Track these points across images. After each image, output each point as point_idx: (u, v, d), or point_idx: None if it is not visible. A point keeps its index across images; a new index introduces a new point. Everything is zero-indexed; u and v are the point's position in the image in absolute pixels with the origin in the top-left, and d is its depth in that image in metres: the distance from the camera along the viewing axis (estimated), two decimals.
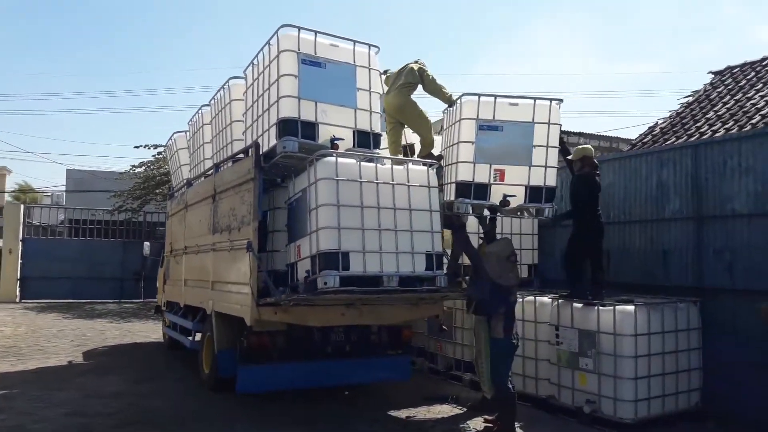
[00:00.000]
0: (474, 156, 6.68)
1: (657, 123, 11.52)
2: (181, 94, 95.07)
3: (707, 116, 10.31)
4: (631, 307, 6.23)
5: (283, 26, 6.08)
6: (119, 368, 9.07)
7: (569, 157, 7.46)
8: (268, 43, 6.32)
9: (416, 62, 7.50)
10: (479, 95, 6.73)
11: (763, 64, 11.39)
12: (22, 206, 20.94)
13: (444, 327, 7.77)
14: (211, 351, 7.53)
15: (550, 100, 7.02)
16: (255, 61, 6.69)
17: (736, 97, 10.66)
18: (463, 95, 6.84)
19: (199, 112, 8.91)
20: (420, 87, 7.38)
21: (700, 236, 6.92)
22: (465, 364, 8.24)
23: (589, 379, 6.41)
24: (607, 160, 8.41)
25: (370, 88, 6.39)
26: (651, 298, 6.88)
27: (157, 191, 19.23)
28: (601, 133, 13.91)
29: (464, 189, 6.72)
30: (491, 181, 6.78)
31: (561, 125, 7.16)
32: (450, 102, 7.02)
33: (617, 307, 6.27)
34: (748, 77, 11.29)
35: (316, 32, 6.14)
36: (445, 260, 7.24)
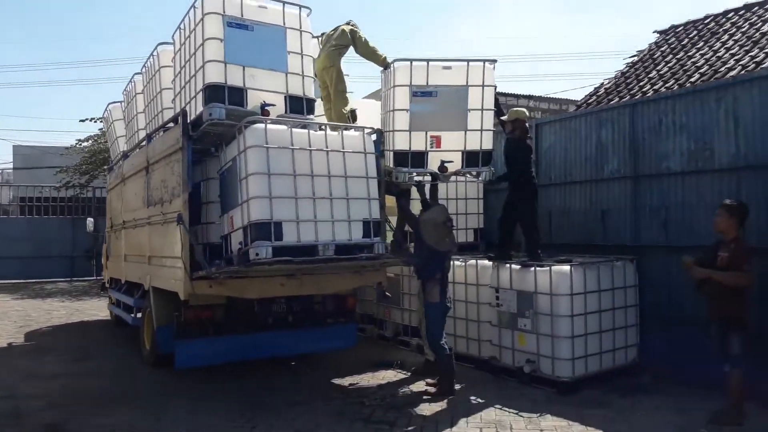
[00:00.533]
0: (409, 124, 6.62)
1: (603, 84, 11.57)
2: (129, 64, 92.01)
3: (650, 75, 10.38)
4: (567, 267, 6.28)
5: None
6: (60, 348, 8.82)
7: (502, 118, 7.41)
8: (193, 6, 6.05)
9: (348, 23, 7.29)
10: (411, 60, 6.63)
11: (706, 22, 11.47)
12: None
13: (387, 293, 7.76)
14: (151, 327, 7.37)
15: (483, 61, 6.96)
16: (182, 26, 6.42)
17: (678, 56, 10.73)
18: (395, 60, 6.73)
19: (132, 80, 8.56)
20: (353, 50, 7.17)
21: (637, 195, 6.99)
22: (412, 330, 8.25)
23: (528, 340, 6.48)
24: (548, 122, 8.42)
25: (301, 51, 6.18)
26: (590, 257, 6.96)
27: (105, 166, 18.60)
28: (552, 95, 13.93)
29: (401, 158, 6.69)
30: (428, 149, 6.76)
31: (495, 87, 7.11)
32: (385, 64, 6.86)
33: (553, 267, 6.31)
34: (690, 36, 11.36)
35: None
36: (389, 228, 7.25)
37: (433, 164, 6.83)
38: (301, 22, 6.20)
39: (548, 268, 6.33)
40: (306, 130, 5.83)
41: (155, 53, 7.44)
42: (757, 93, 5.81)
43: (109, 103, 9.84)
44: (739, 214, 5.17)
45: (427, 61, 6.66)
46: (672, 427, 5.12)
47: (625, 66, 11.65)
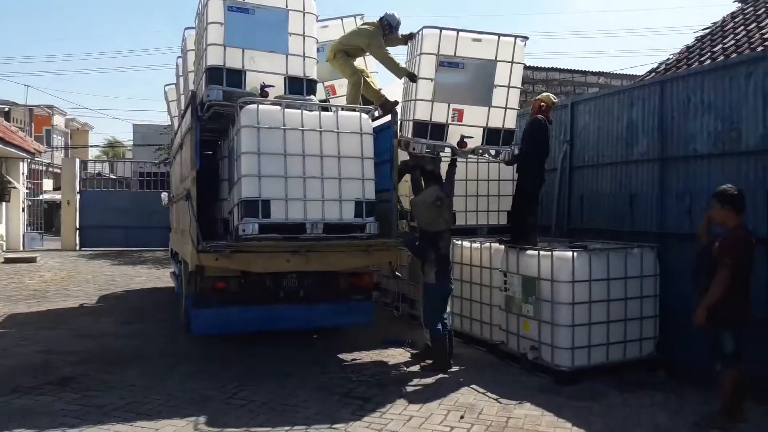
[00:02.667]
0: (432, 94, 6.53)
1: (666, 60, 10.66)
2: None
3: (714, 50, 9.43)
4: (568, 253, 5.99)
5: None
6: (119, 311, 9.68)
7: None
8: None
9: (378, 23, 7.18)
10: (441, 29, 6.50)
11: None
12: (77, 160, 22.18)
13: (398, 273, 7.76)
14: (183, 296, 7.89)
15: (515, 36, 6.75)
16: (198, 11, 6.71)
17: (749, 28, 9.64)
18: (423, 27, 6.61)
19: (177, 63, 9.06)
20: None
21: (664, 179, 6.49)
22: None
23: (531, 326, 6.28)
24: (583, 100, 7.98)
25: (304, 32, 6.30)
26: (614, 244, 6.60)
27: None
28: (623, 71, 13.03)
29: (420, 128, 6.62)
30: (449, 121, 6.64)
31: (525, 64, 6.86)
32: (410, 76, 6.65)
33: (555, 252, 6.05)
34: None
35: None
36: (400, 208, 7.24)
37: (452, 138, 6.72)
38: (305, 4, 6.30)
39: (550, 253, 6.07)
40: (299, 111, 5.94)
41: (184, 37, 7.85)
42: None
43: (166, 85, 10.49)
44: (727, 200, 4.68)
45: (457, 31, 6.52)
46: (652, 428, 4.80)
47: (694, 39, 10.66)
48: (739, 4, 11.17)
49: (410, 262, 8.15)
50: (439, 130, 6.63)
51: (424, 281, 6.21)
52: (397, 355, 6.97)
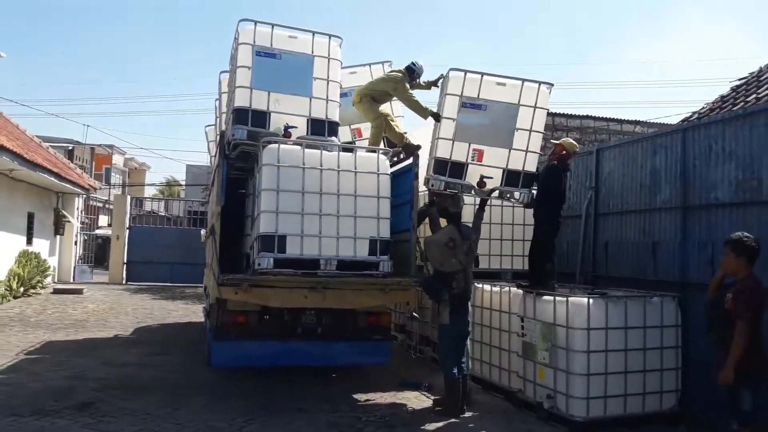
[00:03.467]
0: (454, 133, 6.69)
1: (701, 109, 10.48)
2: None
3: (747, 99, 9.25)
4: (584, 300, 5.90)
5: (241, 20, 6.44)
6: (150, 342, 9.93)
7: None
8: (234, 37, 6.69)
9: (409, 67, 7.48)
10: (465, 71, 6.70)
11: None
12: (128, 197, 23.14)
13: (415, 314, 7.76)
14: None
15: (539, 83, 6.88)
16: (231, 55, 7.09)
17: None
18: (450, 70, 6.82)
19: (215, 105, 9.50)
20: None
21: (686, 227, 6.37)
22: None
23: (547, 373, 6.15)
24: (608, 147, 7.95)
25: (328, 77, 6.57)
26: (636, 292, 6.46)
27: None
28: (660, 120, 12.90)
29: (440, 166, 6.75)
30: (469, 161, 6.76)
31: (548, 110, 6.95)
32: (435, 116, 6.85)
33: (570, 298, 5.97)
34: None
35: (273, 25, 6.43)
36: (419, 250, 7.30)
37: (471, 178, 6.81)
38: (330, 50, 6.60)
39: (565, 299, 5.99)
40: (319, 151, 6.15)
41: (220, 80, 8.27)
42: None
43: (206, 126, 10.98)
44: (745, 251, 4.56)
45: (482, 74, 6.72)
46: None
47: (729, 89, 10.48)
48: None
49: (433, 305, 8.16)
50: (458, 169, 6.75)
51: (440, 322, 6.21)
52: (412, 398, 6.91)
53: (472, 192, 6.90)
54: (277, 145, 6.00)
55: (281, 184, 5.91)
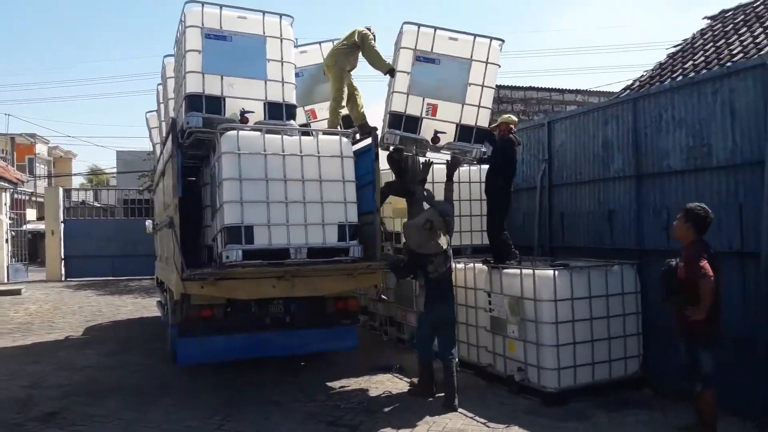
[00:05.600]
0: (408, 87, 6.64)
1: (641, 76, 10.85)
2: None
3: (685, 66, 9.63)
4: (550, 272, 6.03)
5: (187, 2, 6.12)
6: (105, 342, 9.56)
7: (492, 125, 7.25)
8: (180, 19, 6.38)
9: (367, 28, 7.35)
10: (419, 25, 6.65)
11: (755, 5, 10.43)
12: (60, 189, 22.04)
13: (383, 296, 7.76)
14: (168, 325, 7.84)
15: (491, 38, 6.87)
16: (176, 38, 6.77)
17: (718, 44, 9.86)
18: (404, 24, 6.75)
19: (157, 90, 9.10)
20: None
21: (640, 195, 6.57)
22: None
23: (517, 347, 6.28)
24: (559, 119, 8.08)
25: (281, 58, 6.36)
26: (594, 261, 6.64)
27: None
28: (599, 89, 13.25)
29: (395, 120, 6.72)
30: (423, 115, 6.74)
31: (500, 66, 6.97)
32: (389, 71, 6.84)
33: (537, 271, 6.09)
34: (736, 21, 10.39)
35: (221, 6, 6.15)
36: (383, 230, 7.26)
37: (425, 132, 6.82)
38: (282, 30, 6.38)
39: (532, 272, 6.11)
40: (280, 136, 5.98)
41: (164, 64, 7.90)
42: (752, 84, 5.30)
43: (147, 112, 10.53)
44: (695, 219, 4.73)
45: (435, 28, 6.68)
46: None
47: (666, 56, 10.87)
48: (709, 21, 11.42)
49: (396, 285, 8.18)
50: (413, 123, 6.73)
51: (417, 308, 6.18)
52: (385, 381, 6.93)
53: (427, 148, 6.93)
54: (235, 131, 5.79)
55: (243, 173, 5.72)
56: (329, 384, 6.86)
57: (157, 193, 9.39)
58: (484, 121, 6.93)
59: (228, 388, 6.64)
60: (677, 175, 6.12)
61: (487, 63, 6.78)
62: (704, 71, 9.02)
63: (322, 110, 7.82)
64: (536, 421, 5.39)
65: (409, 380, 6.81)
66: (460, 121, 6.80)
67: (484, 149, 7.06)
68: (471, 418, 5.55)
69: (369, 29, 7.34)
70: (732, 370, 5.11)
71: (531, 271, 6.13)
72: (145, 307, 13.98)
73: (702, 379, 4.67)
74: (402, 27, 6.71)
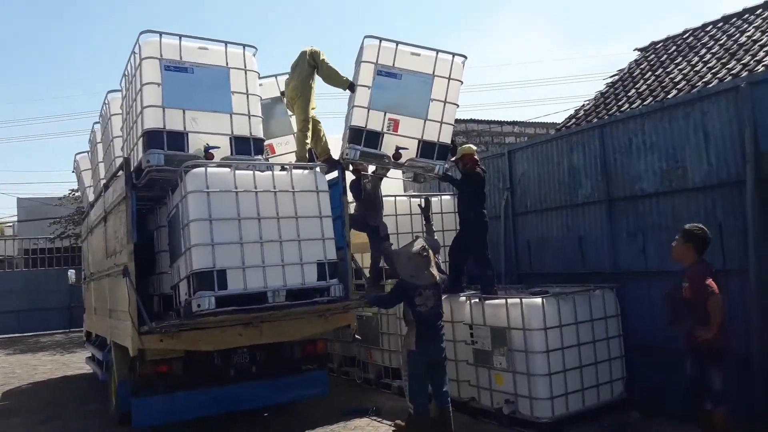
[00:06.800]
0: (369, 101, 6.45)
1: (583, 105, 11.28)
2: None
3: (629, 95, 10.07)
4: (539, 300, 5.90)
5: (143, 32, 5.66)
6: (31, 408, 8.51)
7: (452, 159, 7.16)
8: (132, 51, 5.87)
9: (310, 47, 7.08)
10: (380, 39, 6.50)
11: (684, 37, 11.17)
12: None
13: (357, 336, 7.38)
14: (115, 383, 7.05)
15: (453, 54, 6.82)
16: (126, 72, 6.24)
17: (657, 73, 10.43)
18: (365, 37, 6.56)
19: (93, 129, 8.40)
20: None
21: (612, 219, 6.64)
22: (393, 371, 7.88)
23: (505, 379, 6.07)
24: (520, 148, 8.13)
25: (247, 91, 5.99)
26: (570, 287, 6.58)
27: None
28: (536, 120, 13.66)
29: (356, 135, 6.50)
30: (384, 130, 6.55)
31: (462, 82, 6.91)
32: (349, 86, 6.65)
33: (525, 300, 5.94)
34: (669, 51, 11.07)
35: (180, 36, 5.75)
36: (354, 267, 6.92)
37: (387, 148, 6.61)
38: (246, 62, 6.03)
39: (519, 301, 5.95)
40: (251, 172, 5.57)
41: (107, 101, 7.30)
42: (725, 107, 5.48)
43: (77, 154, 9.72)
44: (694, 239, 4.76)
45: (397, 43, 6.54)
46: None
47: (605, 86, 11.37)
48: (639, 53, 12.06)
49: (358, 323, 7.78)
50: (374, 138, 6.53)
51: (405, 347, 5.74)
52: (365, 426, 6.51)
53: (389, 164, 6.76)
54: (203, 169, 5.32)
55: (214, 213, 5.24)
56: None
57: (91, 241, 8.56)
58: (446, 137, 6.82)
59: None
60: (651, 198, 6.22)
61: (449, 79, 6.70)
62: (649, 99, 9.45)
63: (281, 145, 7.46)
64: None
65: (391, 422, 6.42)
66: (422, 136, 6.65)
67: (447, 165, 6.95)
68: None
69: (314, 48, 7.11)
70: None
71: (518, 300, 5.97)
72: (66, 364, 12.74)
73: (713, 397, 4.62)
74: (363, 41, 6.54)
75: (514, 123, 13.11)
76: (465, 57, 6.84)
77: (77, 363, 12.78)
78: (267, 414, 7.18)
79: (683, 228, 4.90)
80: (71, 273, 12.69)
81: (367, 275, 7.52)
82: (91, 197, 9.26)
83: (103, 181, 7.98)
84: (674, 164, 5.98)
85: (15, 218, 35.68)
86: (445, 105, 6.70)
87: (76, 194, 18.61)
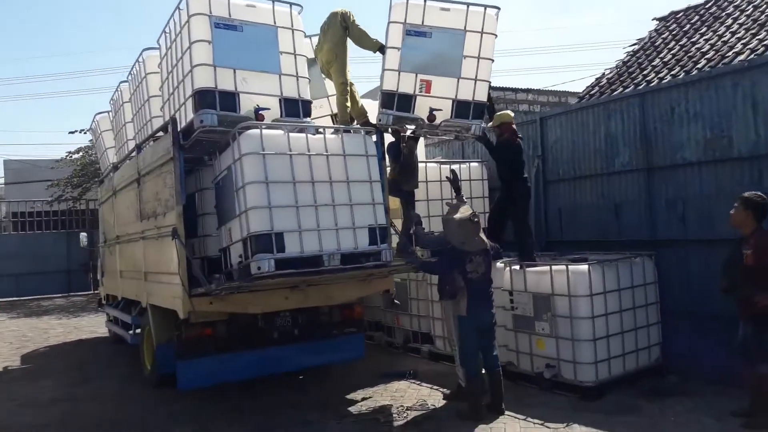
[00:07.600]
0: (399, 64, 6.18)
1: (604, 74, 11.26)
2: (117, 73, 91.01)
3: (653, 64, 10.07)
4: (584, 267, 5.98)
5: None
6: (58, 370, 8.49)
7: (489, 125, 7.08)
8: (177, 7, 5.72)
9: (341, 9, 6.90)
10: None
11: (707, 7, 11.16)
12: None
13: (396, 301, 7.43)
14: (151, 346, 7.06)
15: (485, 6, 6.45)
16: (167, 29, 6.08)
17: (681, 43, 10.43)
18: None
19: (119, 89, 8.22)
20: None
21: (651, 187, 6.69)
22: (423, 336, 7.99)
23: (547, 344, 6.18)
24: (553, 115, 8.11)
25: (294, 51, 5.86)
26: (604, 254, 6.66)
27: (97, 178, 18.29)
28: (549, 88, 13.61)
29: (388, 99, 6.24)
30: (416, 92, 6.30)
31: (496, 36, 6.58)
32: (380, 49, 6.41)
33: (571, 267, 6.01)
34: (692, 22, 11.05)
35: None
36: (393, 232, 6.91)
37: (420, 110, 6.35)
38: (293, 21, 5.88)
39: (565, 268, 6.02)
40: (303, 134, 5.50)
41: (141, 59, 7.12)
42: None
43: (97, 114, 9.51)
44: (755, 207, 4.83)
45: None
46: None
47: (625, 55, 11.34)
48: (658, 23, 12.01)
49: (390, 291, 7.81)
50: (406, 101, 6.25)
51: (456, 313, 5.78)
52: (407, 389, 6.58)
53: (423, 127, 6.56)
54: (257, 130, 5.24)
55: (269, 175, 5.18)
56: (348, 397, 6.43)
57: (116, 203, 8.44)
58: (482, 95, 6.50)
59: (247, 413, 6.04)
60: (693, 166, 6.27)
61: (482, 33, 6.34)
62: (677, 68, 9.46)
63: (316, 108, 7.30)
64: (590, 417, 5.27)
65: (429, 385, 6.53)
66: (456, 96, 6.34)
67: (484, 125, 6.74)
68: (524, 420, 5.36)
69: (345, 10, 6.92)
70: None
71: (563, 267, 6.04)
72: (77, 328, 12.70)
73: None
74: (391, 0, 6.27)
75: (527, 90, 13.08)
76: (498, 8, 6.46)
77: (88, 326, 12.75)
78: (302, 377, 7.24)
79: (742, 195, 4.96)
80: (83, 236, 12.58)
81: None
82: (113, 158, 9.13)
83: (132, 142, 7.87)
84: (719, 133, 6.02)
85: (2, 180, 34.98)
86: (479, 61, 6.35)
87: (91, 156, 18.24)
